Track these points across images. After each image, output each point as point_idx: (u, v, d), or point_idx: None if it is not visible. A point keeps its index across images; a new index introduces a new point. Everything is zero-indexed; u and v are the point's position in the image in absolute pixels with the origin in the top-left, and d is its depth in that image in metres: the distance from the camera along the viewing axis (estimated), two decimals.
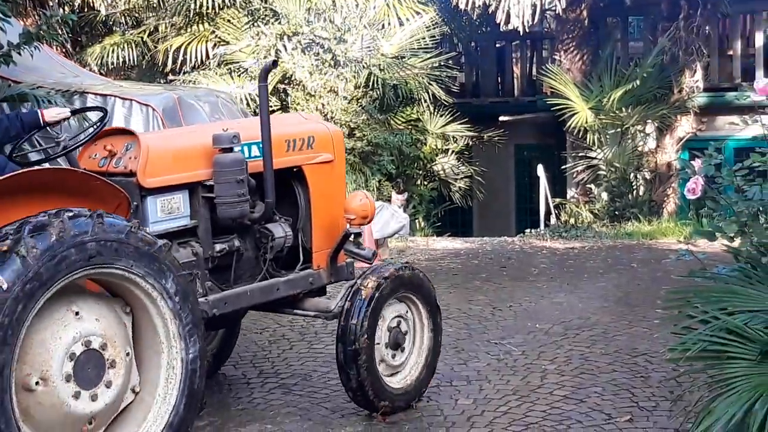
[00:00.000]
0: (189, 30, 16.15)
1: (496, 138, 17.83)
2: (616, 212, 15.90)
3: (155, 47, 16.60)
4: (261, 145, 6.24)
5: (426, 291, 6.80)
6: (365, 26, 15.28)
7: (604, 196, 16.35)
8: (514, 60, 20.61)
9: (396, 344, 6.56)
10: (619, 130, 16.15)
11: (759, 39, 16.92)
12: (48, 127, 6.10)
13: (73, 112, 6.51)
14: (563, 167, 17.30)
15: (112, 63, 16.60)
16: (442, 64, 16.41)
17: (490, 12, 16.07)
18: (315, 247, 6.73)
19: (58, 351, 4.81)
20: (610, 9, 17.77)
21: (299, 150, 6.68)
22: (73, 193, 5.13)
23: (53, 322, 4.84)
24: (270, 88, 14.64)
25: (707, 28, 16.10)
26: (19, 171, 5.15)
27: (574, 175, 16.97)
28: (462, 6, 15.75)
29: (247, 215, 6.17)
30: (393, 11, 16.04)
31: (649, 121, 16.23)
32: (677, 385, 6.74)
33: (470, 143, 17.41)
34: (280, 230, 6.48)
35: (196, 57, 15.81)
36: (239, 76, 15.16)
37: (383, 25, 15.83)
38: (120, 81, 12.21)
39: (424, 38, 15.80)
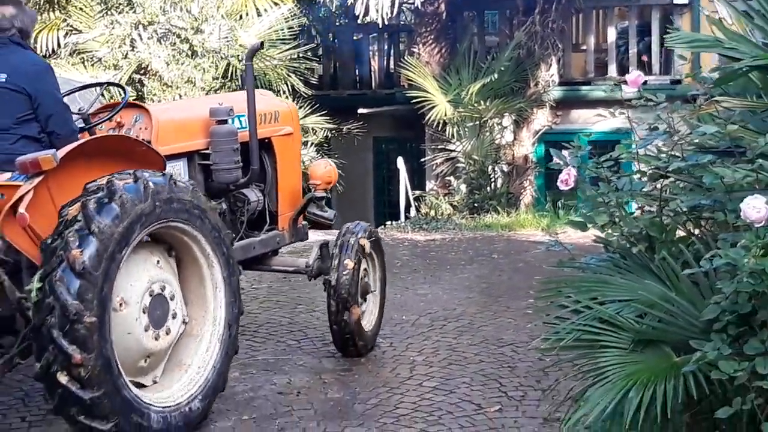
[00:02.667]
0: (39, 18, 15.60)
1: (354, 130, 17.79)
2: (475, 204, 16.05)
3: None
4: (242, 118, 7.14)
5: (381, 249, 7.84)
6: (223, 16, 15.04)
7: (463, 188, 16.48)
8: (371, 53, 20.61)
9: (365, 292, 7.48)
10: (477, 123, 16.28)
11: (611, 34, 17.28)
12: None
13: (89, 86, 7.41)
14: (422, 159, 17.38)
15: None
16: (301, 55, 16.29)
17: (349, 4, 16.01)
18: (280, 210, 7.62)
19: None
20: (467, 3, 17.88)
21: (268, 123, 7.55)
22: (127, 157, 5.74)
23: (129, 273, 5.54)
24: (125, 78, 14.31)
25: (562, 22, 16.36)
26: (96, 136, 6.04)
27: (433, 168, 17.06)
28: None
29: (238, 180, 7.02)
30: (251, 1, 15.80)
31: (507, 114, 16.39)
32: (544, 375, 6.85)
33: (329, 135, 17.31)
34: (253, 195, 7.28)
35: (47, 46, 15.31)
36: (93, 65, 14.75)
37: (241, 16, 15.59)
38: None
39: (282, 29, 15.60)
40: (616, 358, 4.66)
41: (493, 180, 16.42)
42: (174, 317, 5.83)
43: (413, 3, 16.66)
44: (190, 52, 14.58)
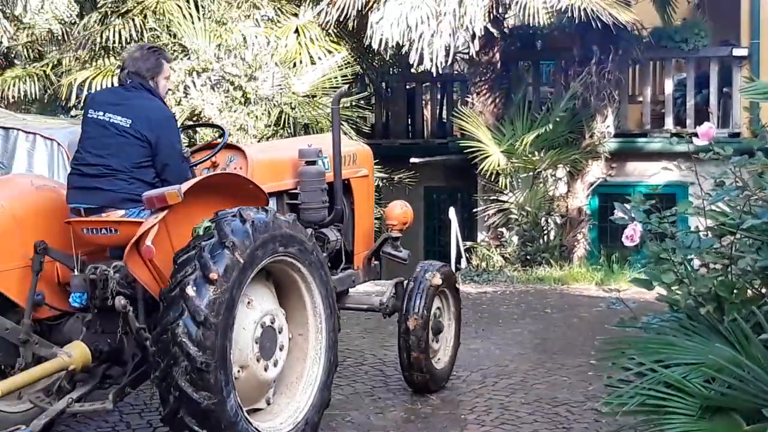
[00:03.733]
0: (94, 64, 15.66)
1: (406, 180, 17.61)
2: (528, 256, 15.77)
3: (58, 81, 16.09)
4: (325, 160, 7.28)
5: (456, 287, 8.00)
6: (276, 64, 15.00)
7: (515, 240, 16.22)
8: (424, 102, 20.49)
9: (438, 330, 7.71)
10: (530, 173, 16.07)
11: (668, 86, 17.06)
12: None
13: (190, 127, 7.90)
14: (474, 210, 17.16)
15: (13, 96, 16.09)
16: (354, 104, 16.20)
17: (402, 53, 15.92)
18: (356, 249, 7.79)
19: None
20: (522, 53, 17.78)
21: (348, 165, 7.64)
22: (237, 194, 6.04)
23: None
24: (178, 123, 14.26)
25: (618, 73, 16.14)
26: (214, 173, 6.42)
27: (485, 219, 16.82)
28: (375, 46, 15.53)
29: (324, 219, 7.20)
30: (305, 49, 15.80)
31: (561, 165, 16.17)
32: None
33: (380, 184, 17.16)
34: (333, 234, 7.34)
35: None
36: None
37: (294, 64, 15.57)
38: (22, 114, 11.76)
39: (336, 77, 15.54)
40: (683, 425, 4.43)
41: (546, 232, 16.16)
42: (281, 332, 6.07)
43: (468, 52, 16.55)
44: (243, 99, 14.53)
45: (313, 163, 7.10)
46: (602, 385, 5.23)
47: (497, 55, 16.82)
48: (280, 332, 6.03)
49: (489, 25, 15.16)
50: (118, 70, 6.42)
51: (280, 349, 6.04)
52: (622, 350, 4.92)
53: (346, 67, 15.88)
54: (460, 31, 14.96)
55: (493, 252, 16.17)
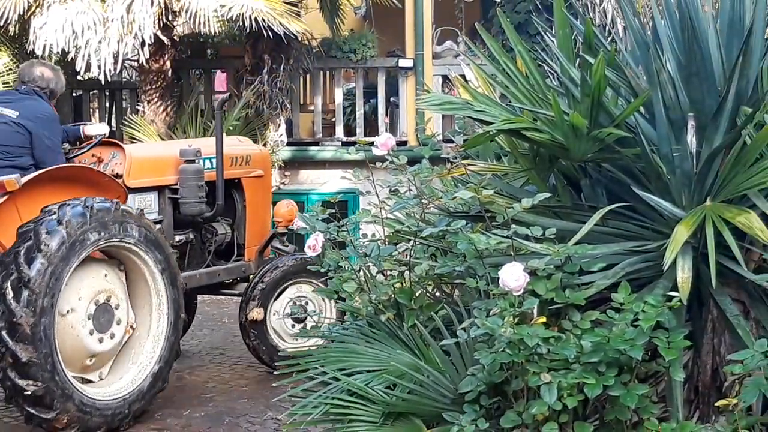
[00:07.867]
0: None
1: None
2: None
3: None
4: (212, 159, 8.12)
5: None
6: None
7: None
8: (91, 110, 19.87)
9: (299, 319, 8.26)
10: None
11: (338, 96, 17.38)
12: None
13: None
14: None
15: None
16: None
17: (68, 59, 15.33)
18: (247, 243, 8.59)
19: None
20: (193, 61, 17.58)
21: (239, 165, 8.54)
22: (90, 185, 6.81)
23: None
24: None
25: (290, 83, 16.25)
26: (62, 165, 6.92)
27: None
28: (38, 52, 14.83)
29: (203, 213, 8.03)
30: None
31: None
32: None
33: None
34: (222, 228, 8.34)
35: None
36: None
37: None
38: None
39: None
40: None
41: None
42: (117, 308, 6.80)
43: (137, 59, 16.17)
44: None
45: (192, 161, 7.86)
46: (284, 395, 5.21)
47: (168, 63, 16.51)
48: (117, 308, 6.75)
49: (159, 33, 14.81)
50: None
51: (117, 323, 6.75)
52: (306, 359, 4.91)
53: (9, 74, 15.15)
54: (129, 37, 14.55)
55: None
